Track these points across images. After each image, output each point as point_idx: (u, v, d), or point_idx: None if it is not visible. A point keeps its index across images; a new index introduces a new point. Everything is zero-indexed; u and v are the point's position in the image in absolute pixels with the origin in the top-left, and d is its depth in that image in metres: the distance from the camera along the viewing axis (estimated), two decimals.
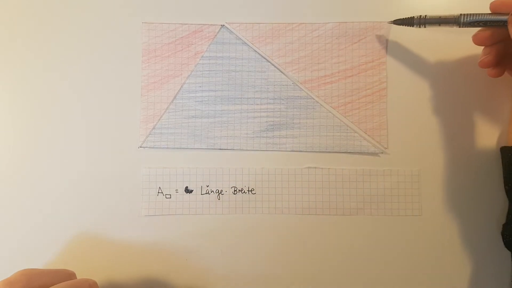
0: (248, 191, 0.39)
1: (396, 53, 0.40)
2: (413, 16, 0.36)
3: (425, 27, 0.36)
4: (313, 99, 0.40)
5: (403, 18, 0.37)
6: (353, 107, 0.40)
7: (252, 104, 0.40)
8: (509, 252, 0.36)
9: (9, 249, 0.39)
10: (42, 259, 0.38)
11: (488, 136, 0.39)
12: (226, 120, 0.40)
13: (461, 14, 0.35)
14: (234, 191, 0.39)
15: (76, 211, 0.39)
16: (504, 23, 0.33)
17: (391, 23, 0.38)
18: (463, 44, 0.39)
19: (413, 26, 0.37)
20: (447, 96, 0.39)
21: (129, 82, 0.40)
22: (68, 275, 0.33)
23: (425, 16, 0.36)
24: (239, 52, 0.40)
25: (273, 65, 0.40)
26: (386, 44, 0.40)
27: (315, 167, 0.39)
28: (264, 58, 0.40)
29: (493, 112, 0.39)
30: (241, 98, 0.40)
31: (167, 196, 0.39)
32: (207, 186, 0.39)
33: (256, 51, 0.40)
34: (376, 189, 0.39)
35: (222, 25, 0.40)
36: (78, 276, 0.33)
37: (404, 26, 0.37)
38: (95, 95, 0.40)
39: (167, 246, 0.39)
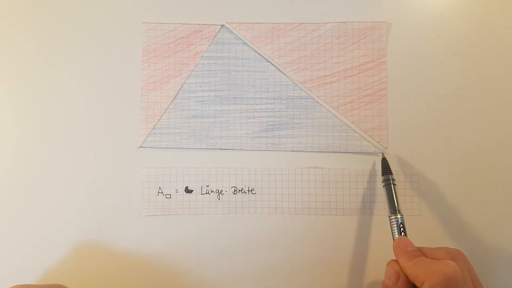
0: (248, 191, 0.39)
1: (396, 53, 0.40)
2: None
3: None
4: (313, 99, 0.40)
5: None
6: (353, 107, 0.40)
7: (252, 104, 0.40)
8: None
9: (8, 247, 0.39)
10: (41, 259, 0.38)
11: (488, 136, 0.39)
12: (226, 120, 0.40)
13: None
14: (234, 191, 0.39)
15: (76, 211, 0.39)
16: None
17: None
18: (463, 44, 0.39)
19: None
20: (447, 96, 0.39)
21: (129, 82, 0.40)
22: None
23: None
24: (239, 52, 0.40)
25: (273, 65, 0.40)
26: (386, 44, 0.40)
27: (315, 167, 0.39)
28: (264, 58, 0.40)
29: (493, 112, 0.39)
30: (241, 98, 0.40)
31: (167, 196, 0.39)
32: (207, 186, 0.39)
33: (256, 51, 0.40)
34: (376, 189, 0.39)
35: (222, 25, 0.40)
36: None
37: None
38: (95, 95, 0.40)
39: (167, 246, 0.39)
